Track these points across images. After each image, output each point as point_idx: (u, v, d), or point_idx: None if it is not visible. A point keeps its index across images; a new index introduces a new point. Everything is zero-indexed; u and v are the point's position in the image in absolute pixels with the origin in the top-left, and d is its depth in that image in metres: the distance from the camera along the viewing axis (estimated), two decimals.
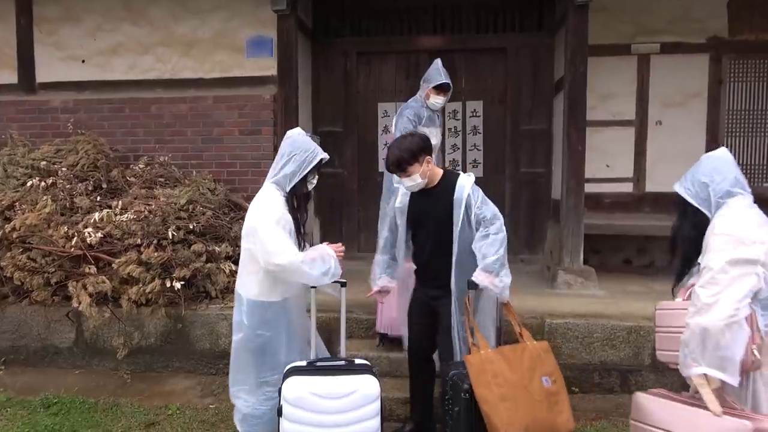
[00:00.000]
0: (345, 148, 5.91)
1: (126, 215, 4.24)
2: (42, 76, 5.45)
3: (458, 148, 5.81)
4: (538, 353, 2.57)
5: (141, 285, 4.00)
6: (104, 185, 4.61)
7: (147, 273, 4.05)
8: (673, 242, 2.31)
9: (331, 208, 6.01)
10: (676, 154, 5.53)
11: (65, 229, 4.18)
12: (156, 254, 4.06)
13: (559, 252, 4.92)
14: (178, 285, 4.01)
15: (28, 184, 4.39)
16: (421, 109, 4.20)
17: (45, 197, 4.32)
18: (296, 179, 2.64)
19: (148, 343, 4.20)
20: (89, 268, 4.06)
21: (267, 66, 5.14)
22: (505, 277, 2.71)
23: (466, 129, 5.82)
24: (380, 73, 5.90)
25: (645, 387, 3.19)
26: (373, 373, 2.61)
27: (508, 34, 5.70)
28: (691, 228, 2.18)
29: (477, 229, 2.80)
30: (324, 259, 2.66)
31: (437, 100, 4.13)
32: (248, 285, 2.69)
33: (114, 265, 4.07)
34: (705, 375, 1.93)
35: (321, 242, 6.07)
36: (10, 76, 5.44)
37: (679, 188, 2.27)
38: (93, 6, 5.35)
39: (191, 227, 4.21)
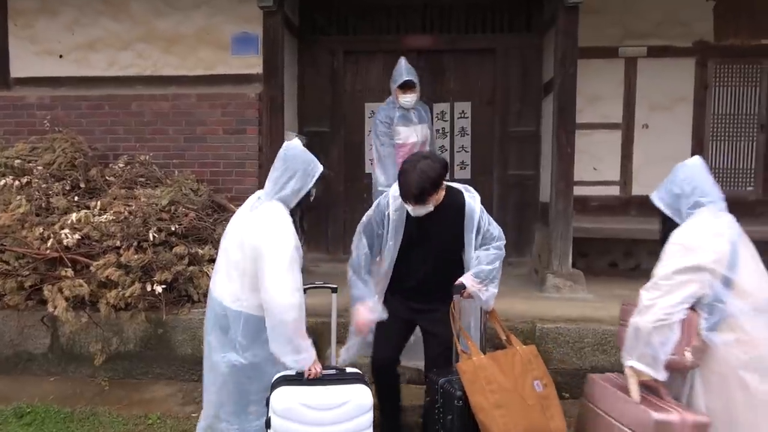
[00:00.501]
0: (331, 149, 5.81)
1: (105, 216, 4.10)
2: (17, 71, 5.24)
3: (446, 150, 5.74)
4: (528, 357, 2.53)
5: (120, 289, 3.86)
6: (82, 185, 4.45)
7: (126, 276, 3.90)
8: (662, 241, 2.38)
9: (316, 210, 5.89)
10: (662, 158, 5.51)
11: (40, 230, 4.02)
12: (136, 257, 3.92)
13: (547, 255, 4.88)
14: (159, 289, 3.87)
15: (1, 183, 4.21)
16: (392, 110, 4.34)
17: (19, 197, 4.15)
18: (301, 195, 2.55)
19: (127, 348, 4.06)
20: (66, 271, 3.90)
21: (252, 64, 5.01)
22: (493, 288, 2.67)
23: (454, 130, 5.76)
24: (368, 73, 5.81)
25: None
26: (365, 383, 2.52)
27: (497, 35, 5.65)
28: (666, 234, 2.28)
29: (480, 245, 2.74)
30: (305, 353, 2.43)
31: (405, 99, 4.25)
32: (251, 300, 2.47)
33: (92, 268, 3.92)
34: (633, 367, 2.18)
35: (306, 246, 6.01)
36: None
37: (655, 198, 2.39)
38: None
39: (173, 229, 4.07)
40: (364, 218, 2.89)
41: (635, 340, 2.16)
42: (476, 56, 5.70)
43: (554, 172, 4.79)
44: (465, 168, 5.76)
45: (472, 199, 2.73)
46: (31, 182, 4.26)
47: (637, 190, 5.60)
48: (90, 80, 5.14)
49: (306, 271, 5.66)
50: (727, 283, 2.10)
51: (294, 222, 2.50)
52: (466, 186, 2.83)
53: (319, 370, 2.49)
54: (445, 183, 2.68)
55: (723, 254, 2.11)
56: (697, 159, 2.38)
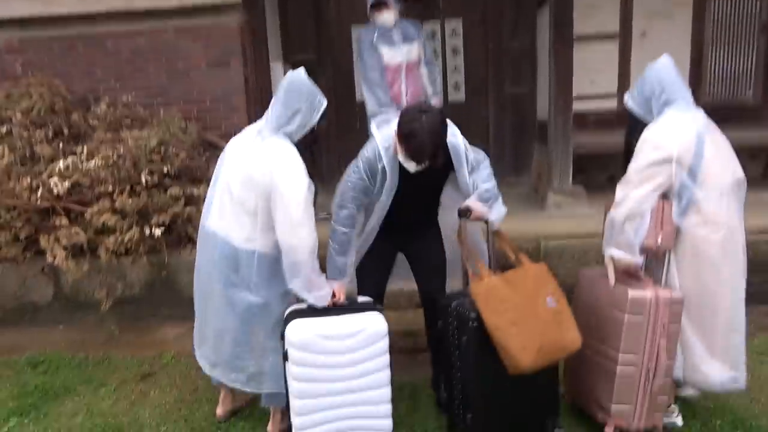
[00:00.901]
0: (319, 77, 5.54)
1: (93, 161, 3.96)
2: None
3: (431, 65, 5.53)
4: (539, 275, 2.49)
5: (118, 234, 3.79)
6: (65, 131, 4.27)
7: (123, 221, 3.83)
8: (626, 152, 2.52)
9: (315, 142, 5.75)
10: None
11: (28, 180, 3.89)
12: (131, 201, 3.83)
13: (547, 173, 4.83)
14: (158, 232, 3.82)
15: None
16: (371, 33, 4.19)
17: (0, 146, 3.99)
18: (307, 130, 2.42)
19: (132, 293, 4.04)
20: (60, 220, 3.82)
21: None
22: (499, 206, 2.61)
23: (446, 50, 5.54)
24: None
25: None
26: (379, 310, 2.52)
27: None
28: (634, 134, 2.42)
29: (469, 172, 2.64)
30: (324, 288, 2.44)
31: (382, 18, 4.10)
32: (264, 240, 2.41)
33: (87, 215, 3.83)
34: (612, 255, 2.41)
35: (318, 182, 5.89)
36: None
37: (628, 100, 2.53)
38: None
39: (165, 170, 3.96)
40: (354, 179, 2.55)
41: (611, 230, 2.39)
42: None
43: (552, 89, 4.65)
44: (459, 89, 5.59)
45: (453, 135, 2.54)
46: (11, 131, 4.08)
47: None
48: (59, 19, 4.80)
49: None
50: (693, 172, 2.29)
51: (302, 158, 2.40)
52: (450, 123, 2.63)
53: (342, 298, 2.51)
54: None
55: (689, 146, 2.28)
56: (665, 58, 2.49)
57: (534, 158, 5.50)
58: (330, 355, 2.37)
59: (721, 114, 5.31)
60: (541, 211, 4.71)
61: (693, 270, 2.36)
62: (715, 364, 2.41)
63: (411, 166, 2.45)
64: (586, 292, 2.62)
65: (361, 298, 2.66)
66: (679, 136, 2.29)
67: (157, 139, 4.05)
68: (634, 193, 2.31)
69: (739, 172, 2.41)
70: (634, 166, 2.33)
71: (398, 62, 4.26)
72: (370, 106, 4.28)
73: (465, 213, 2.56)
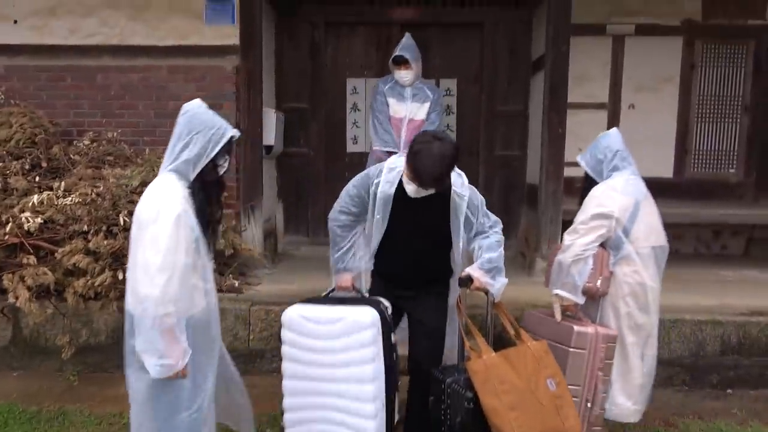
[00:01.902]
0: (311, 126, 5.55)
1: (70, 198, 3.77)
2: None
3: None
4: (540, 354, 2.41)
5: (89, 277, 3.57)
6: (44, 164, 4.09)
7: (96, 263, 3.61)
8: (580, 201, 2.84)
9: (296, 191, 5.66)
10: (647, 139, 5.48)
11: None
12: (106, 242, 3.62)
13: (536, 239, 4.78)
14: None
15: None
16: (386, 82, 4.35)
17: None
18: (201, 164, 2.05)
19: (97, 340, 3.80)
20: (28, 259, 3.59)
21: (228, 34, 4.66)
22: (501, 278, 2.57)
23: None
24: (350, 46, 5.54)
25: None
26: (375, 307, 2.48)
27: (484, 8, 5.44)
28: (587, 191, 2.78)
29: (476, 234, 2.62)
30: (167, 357, 1.98)
31: (399, 75, 4.22)
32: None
33: (57, 255, 3.61)
34: (558, 294, 2.69)
35: (284, 228, 5.75)
36: None
37: (581, 161, 2.88)
38: None
39: None
40: (352, 184, 2.76)
41: (559, 273, 2.69)
42: (462, 31, 5.50)
43: (544, 154, 4.66)
44: None
45: (462, 186, 2.56)
46: None
47: None
48: (50, 49, 4.71)
49: (286, 255, 5.48)
50: (626, 230, 2.66)
51: (193, 196, 2.05)
52: (460, 172, 2.62)
53: (349, 287, 2.71)
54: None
55: (627, 208, 2.65)
56: (615, 130, 2.88)
57: (522, 222, 5.46)
58: (312, 339, 2.46)
59: (705, 189, 5.53)
60: (527, 277, 4.64)
61: (625, 311, 2.71)
62: (626, 397, 2.76)
63: (411, 189, 2.46)
64: (531, 329, 2.78)
65: (378, 298, 2.65)
66: (621, 198, 2.66)
67: (139, 179, 3.89)
68: (580, 241, 2.64)
69: (662, 240, 2.79)
70: (580, 218, 2.69)
71: (401, 117, 4.34)
72: (375, 145, 4.40)
73: (465, 282, 2.50)
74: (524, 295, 4.06)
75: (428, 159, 2.33)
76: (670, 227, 5.50)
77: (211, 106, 4.52)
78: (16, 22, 4.74)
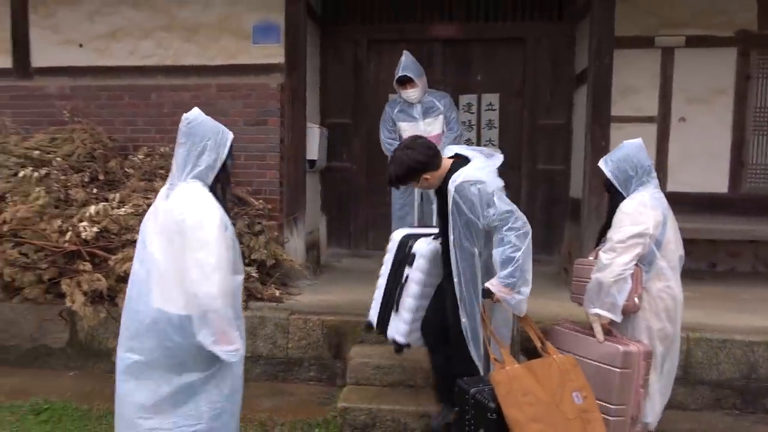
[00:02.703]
0: (354, 141, 5.66)
1: (123, 209, 4.01)
2: (38, 60, 5.16)
3: (473, 143, 5.56)
4: (566, 367, 2.37)
5: None
6: (101, 177, 4.36)
7: None
8: (608, 215, 2.84)
9: (338, 204, 5.77)
10: (700, 153, 5.31)
11: (59, 222, 3.94)
12: None
13: (579, 254, 4.68)
14: None
15: (20, 174, 4.13)
16: (394, 106, 4.42)
17: (38, 189, 4.07)
18: (217, 167, 2.18)
19: None
20: (84, 265, 3.82)
21: (274, 53, 4.87)
22: (524, 289, 2.44)
23: (481, 123, 5.57)
24: (391, 63, 5.54)
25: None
26: (406, 238, 3.09)
27: (526, 23, 5.44)
28: (614, 204, 2.79)
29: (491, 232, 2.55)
30: (233, 343, 2.09)
31: (404, 94, 4.27)
32: (176, 299, 2.08)
33: (110, 262, 3.83)
34: (598, 314, 2.65)
35: (327, 240, 5.87)
36: (5, 61, 5.15)
37: (605, 169, 2.83)
38: None
39: None
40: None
41: (599, 292, 2.65)
42: (504, 45, 5.51)
43: (587, 168, 4.59)
44: None
45: (453, 182, 2.56)
46: (50, 174, 4.18)
47: (672, 186, 5.36)
48: (110, 70, 5.05)
49: (328, 266, 5.58)
50: (659, 244, 2.68)
51: (217, 199, 2.16)
52: (468, 171, 2.57)
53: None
54: (442, 165, 2.67)
55: (658, 222, 2.66)
56: (641, 142, 2.84)
57: (565, 237, 5.37)
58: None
59: (763, 204, 5.27)
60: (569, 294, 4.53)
61: (659, 326, 2.72)
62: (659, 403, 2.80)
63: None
64: (567, 347, 2.75)
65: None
66: (652, 213, 2.67)
67: None
68: (619, 260, 2.61)
69: (681, 250, 2.81)
70: (617, 237, 2.65)
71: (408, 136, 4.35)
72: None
73: (486, 295, 2.50)
74: (566, 311, 3.98)
75: (392, 162, 2.71)
76: (725, 244, 5.41)
77: (257, 122, 4.82)
78: (81, 45, 5.10)
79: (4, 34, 5.15)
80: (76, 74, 5.08)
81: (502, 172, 5.55)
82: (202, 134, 2.17)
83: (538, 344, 2.51)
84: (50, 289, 3.96)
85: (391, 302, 3.04)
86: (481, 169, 2.56)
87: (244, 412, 2.80)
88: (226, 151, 2.21)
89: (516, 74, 5.52)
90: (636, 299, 2.67)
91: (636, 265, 2.66)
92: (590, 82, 4.56)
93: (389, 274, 3.10)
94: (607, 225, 2.80)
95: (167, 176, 4.40)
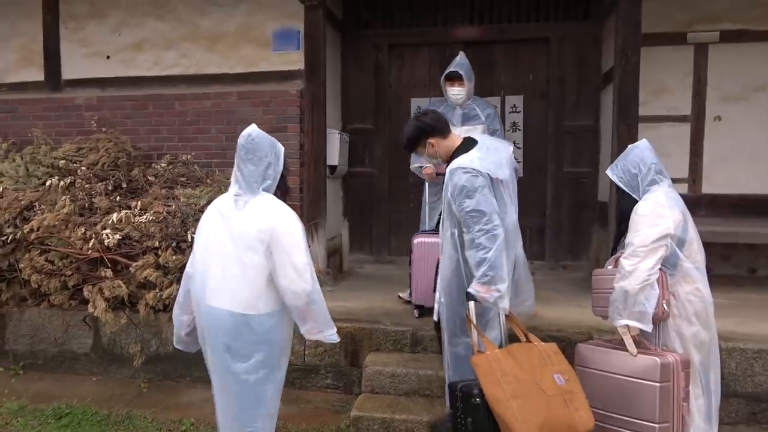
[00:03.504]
0: (375, 147, 5.62)
1: (145, 216, 4.06)
2: (68, 73, 5.33)
3: None
4: (547, 353, 2.44)
5: (158, 290, 3.81)
6: (124, 185, 4.44)
7: (165, 277, 3.85)
8: (619, 218, 2.76)
9: (360, 209, 5.73)
10: (737, 153, 5.07)
11: (83, 230, 4.03)
12: (174, 257, 3.86)
13: (607, 259, 4.51)
14: None
15: (47, 183, 4.25)
16: (434, 107, 4.22)
17: (64, 197, 4.18)
18: (279, 177, 2.43)
19: (166, 350, 4.01)
20: (105, 272, 3.89)
21: (294, 60, 4.89)
22: (500, 284, 2.49)
23: (505, 126, 5.44)
24: (413, 67, 5.58)
25: None
26: None
27: (550, 23, 5.31)
28: (625, 208, 2.66)
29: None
30: (333, 327, 2.46)
31: (452, 92, 4.12)
32: (263, 299, 2.33)
33: (131, 269, 3.89)
34: (626, 325, 2.49)
35: (350, 246, 5.84)
36: (37, 74, 5.35)
37: (611, 175, 2.73)
38: (119, 1, 5.21)
39: None
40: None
41: (625, 302, 2.48)
42: (528, 46, 5.38)
43: None
44: (517, 165, 5.43)
45: (451, 166, 2.66)
46: (74, 182, 4.28)
47: (707, 188, 5.14)
48: (135, 80, 5.16)
49: (350, 272, 5.55)
50: (681, 244, 2.52)
51: None
52: (467, 157, 2.64)
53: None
54: (450, 138, 2.79)
55: (679, 221, 2.52)
56: (645, 141, 2.72)
57: (593, 242, 5.19)
58: None
59: None
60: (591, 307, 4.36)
61: (691, 332, 2.54)
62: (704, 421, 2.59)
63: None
64: (597, 365, 2.62)
65: None
66: (671, 213, 2.52)
67: (207, 198, 4.12)
68: (643, 265, 2.45)
69: (702, 251, 2.64)
70: (637, 240, 2.49)
71: None
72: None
73: (470, 297, 2.53)
74: (590, 319, 3.80)
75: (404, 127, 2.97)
76: (766, 249, 5.11)
77: (277, 129, 4.84)
78: (108, 57, 5.24)
79: (37, 47, 5.34)
80: (103, 85, 5.22)
81: (528, 175, 5.48)
82: (264, 150, 2.37)
83: (522, 338, 2.55)
84: (75, 295, 4.05)
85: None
86: (481, 159, 2.61)
87: None
88: (282, 163, 2.43)
89: (540, 75, 5.38)
90: (665, 305, 2.51)
91: (660, 269, 2.51)
92: (616, 81, 4.40)
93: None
94: (620, 231, 2.68)
95: (188, 184, 4.53)
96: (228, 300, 2.31)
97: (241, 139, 2.40)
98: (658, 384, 2.39)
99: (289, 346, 2.53)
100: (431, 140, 2.77)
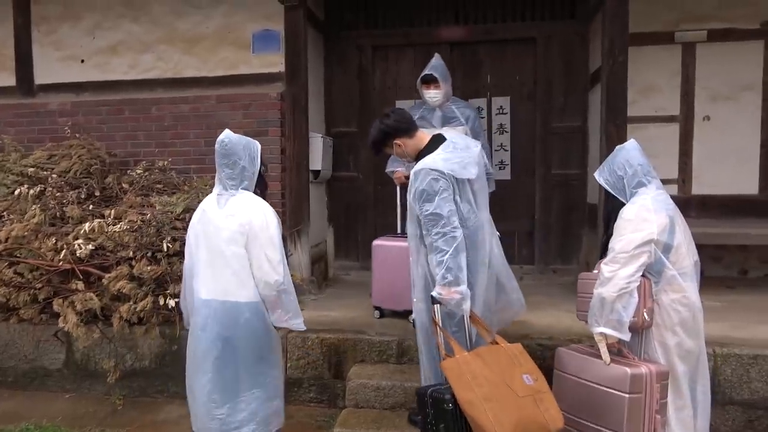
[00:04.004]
0: (360, 150, 5.49)
1: (119, 225, 3.89)
2: (41, 77, 5.15)
3: (484, 149, 5.32)
4: (513, 353, 2.44)
5: (132, 302, 3.65)
6: (97, 193, 4.27)
7: (139, 289, 3.69)
8: (606, 221, 2.68)
9: (345, 215, 5.60)
10: (727, 153, 5.00)
11: (54, 240, 3.86)
12: (149, 268, 3.70)
13: (597, 262, 4.41)
14: (172, 302, 3.64)
15: (16, 192, 4.07)
16: (414, 110, 4.15)
17: (34, 206, 4.00)
18: (256, 176, 2.63)
19: (142, 365, 3.85)
20: (76, 284, 3.72)
21: (274, 62, 4.75)
22: (460, 286, 2.48)
23: (492, 127, 5.34)
24: (398, 69, 5.46)
25: None
26: None
27: (537, 23, 5.21)
28: (611, 211, 2.58)
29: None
30: (300, 316, 2.65)
31: (426, 94, 4.05)
32: (247, 289, 2.52)
33: (104, 281, 3.72)
34: (603, 333, 2.43)
35: (335, 253, 5.70)
36: (8, 79, 5.15)
37: (599, 178, 2.66)
38: (92, 3, 5.04)
39: None
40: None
41: (602, 309, 2.42)
42: (514, 46, 5.28)
43: None
44: (504, 168, 5.33)
45: (413, 170, 2.66)
46: (45, 191, 4.11)
47: (697, 189, 5.07)
48: (111, 84, 5.00)
49: (336, 280, 5.41)
50: (667, 249, 2.42)
51: None
52: (432, 158, 2.64)
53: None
54: (417, 137, 2.77)
55: (665, 225, 2.42)
56: (633, 142, 2.63)
57: (583, 245, 5.09)
58: None
59: None
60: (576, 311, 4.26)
61: (674, 342, 2.46)
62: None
63: None
64: (573, 371, 2.58)
65: None
66: (656, 217, 2.42)
67: (183, 206, 3.96)
68: (622, 272, 2.38)
69: (695, 255, 2.55)
70: (619, 246, 2.42)
71: None
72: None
73: (435, 301, 2.53)
74: (578, 326, 3.72)
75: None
76: (758, 250, 5.05)
77: (257, 133, 4.69)
78: (83, 61, 5.08)
79: (8, 51, 5.16)
80: (78, 90, 5.06)
81: (516, 177, 5.36)
82: (238, 154, 2.55)
83: (488, 339, 2.53)
84: (46, 309, 3.88)
85: None
86: (445, 160, 2.60)
87: None
88: (258, 161, 2.61)
89: (527, 76, 5.29)
90: (645, 314, 2.42)
91: (644, 276, 2.43)
92: (604, 80, 4.31)
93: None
94: (607, 235, 2.59)
95: (164, 191, 4.36)
96: (215, 290, 2.52)
97: (216, 145, 2.58)
98: (627, 395, 2.34)
99: (275, 339, 2.65)
100: (397, 141, 2.78)
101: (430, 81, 3.99)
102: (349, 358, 3.59)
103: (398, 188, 4.25)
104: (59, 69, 5.10)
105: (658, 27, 4.98)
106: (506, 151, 5.32)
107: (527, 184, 5.29)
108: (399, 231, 4.26)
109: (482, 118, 5.35)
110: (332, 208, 5.59)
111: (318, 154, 4.91)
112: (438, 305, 2.52)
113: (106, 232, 3.89)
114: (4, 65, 5.17)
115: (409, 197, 2.65)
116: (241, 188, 2.56)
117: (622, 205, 2.53)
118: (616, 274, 2.38)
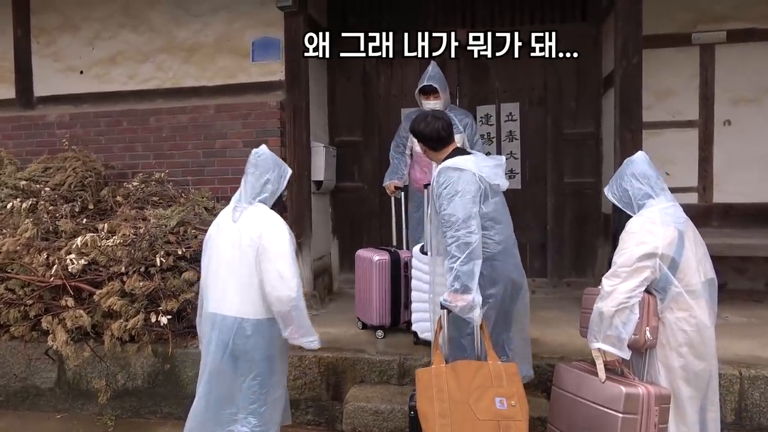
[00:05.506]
0: (365, 160, 5.33)
1: (112, 239, 3.77)
2: (40, 89, 5.07)
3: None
4: (498, 374, 2.35)
5: (123, 320, 3.51)
6: (91, 206, 4.16)
7: (131, 306, 3.55)
8: (615, 235, 2.57)
9: (350, 226, 5.43)
10: (749, 159, 4.75)
11: (45, 255, 3.74)
12: (141, 284, 3.56)
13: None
14: (164, 320, 3.50)
15: (9, 206, 3.97)
16: (411, 117, 3.96)
17: (27, 220, 3.90)
18: (277, 195, 2.64)
19: (134, 385, 3.70)
20: (66, 301, 3.59)
21: (274, 70, 4.62)
22: (467, 294, 2.42)
23: (501, 135, 5.15)
24: (403, 76, 5.30)
25: None
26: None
27: (547, 26, 5.01)
28: (620, 226, 2.47)
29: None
30: (313, 334, 2.58)
31: (426, 105, 3.96)
32: (255, 305, 2.50)
33: (95, 297, 3.59)
34: (600, 349, 2.33)
35: (340, 265, 5.54)
36: (8, 91, 5.10)
37: (608, 193, 2.57)
38: (92, 13, 4.97)
39: (180, 252, 3.68)
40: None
41: (600, 324, 2.32)
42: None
43: None
44: (515, 177, 5.13)
45: (439, 167, 2.67)
46: (38, 204, 4.00)
47: (719, 197, 4.81)
48: (110, 95, 4.90)
49: (340, 293, 5.24)
50: (674, 265, 2.29)
51: None
52: (459, 158, 2.67)
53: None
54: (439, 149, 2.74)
55: (671, 241, 2.29)
56: (641, 154, 2.53)
57: (598, 256, 4.86)
58: None
59: None
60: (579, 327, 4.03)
61: (679, 363, 2.34)
62: None
63: None
64: (570, 388, 2.49)
65: None
66: (662, 231, 2.31)
67: (177, 219, 3.83)
68: (623, 286, 2.28)
69: (710, 273, 2.41)
70: (621, 259, 2.32)
71: (418, 150, 4.02)
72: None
73: (442, 306, 2.50)
74: None
75: (420, 121, 2.83)
76: None
77: (256, 143, 4.52)
78: (82, 72, 5.00)
79: (8, 63, 5.10)
80: (77, 102, 4.97)
81: (526, 186, 5.16)
82: (266, 167, 2.59)
83: (489, 352, 2.49)
84: (37, 326, 3.75)
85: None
86: (476, 162, 2.60)
87: None
88: (284, 183, 2.65)
89: (537, 81, 5.09)
90: (648, 332, 2.31)
91: (649, 292, 2.32)
92: (617, 84, 4.10)
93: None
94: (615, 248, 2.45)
95: (160, 203, 4.23)
96: (227, 305, 2.50)
97: (250, 155, 2.64)
98: (620, 415, 2.24)
99: (283, 358, 2.66)
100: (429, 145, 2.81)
101: (429, 92, 3.90)
102: (347, 378, 3.40)
103: (392, 200, 4.25)
104: (58, 80, 5.03)
105: (674, 29, 4.77)
106: (516, 159, 5.12)
107: (539, 193, 5.08)
108: (394, 243, 4.21)
109: (491, 125, 5.17)
110: (336, 220, 5.43)
111: (320, 164, 4.76)
112: (446, 311, 2.49)
113: (99, 247, 3.77)
114: (4, 77, 5.12)
115: (433, 197, 2.65)
116: (258, 200, 2.57)
117: (629, 218, 2.42)
118: (616, 289, 2.28)
